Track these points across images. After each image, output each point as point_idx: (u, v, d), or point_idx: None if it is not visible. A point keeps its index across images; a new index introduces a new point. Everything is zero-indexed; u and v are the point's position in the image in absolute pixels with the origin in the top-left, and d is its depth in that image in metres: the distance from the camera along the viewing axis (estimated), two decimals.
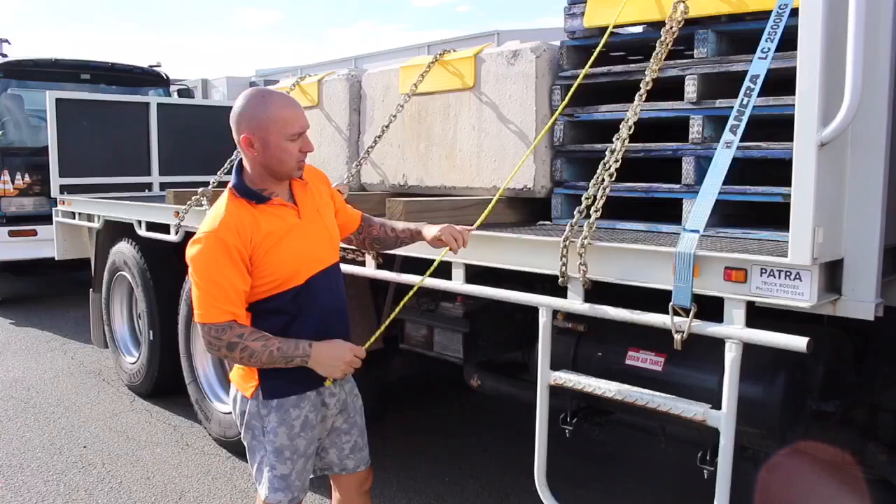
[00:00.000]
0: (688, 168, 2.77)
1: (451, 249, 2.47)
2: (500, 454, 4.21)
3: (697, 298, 2.03)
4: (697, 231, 2.03)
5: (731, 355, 1.97)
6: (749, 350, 1.99)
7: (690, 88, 2.74)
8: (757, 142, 2.53)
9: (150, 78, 9.15)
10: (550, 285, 2.45)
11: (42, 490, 3.84)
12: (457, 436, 4.48)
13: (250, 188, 2.23)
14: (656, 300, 2.14)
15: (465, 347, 3.15)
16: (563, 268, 2.29)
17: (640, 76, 2.88)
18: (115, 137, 6.67)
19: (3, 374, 5.92)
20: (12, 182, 8.04)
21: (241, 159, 2.28)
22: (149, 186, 6.82)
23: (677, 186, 2.81)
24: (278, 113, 2.13)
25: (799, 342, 1.86)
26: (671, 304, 2.05)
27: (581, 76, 2.88)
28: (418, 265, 2.88)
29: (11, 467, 4.12)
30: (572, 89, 2.90)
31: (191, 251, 2.18)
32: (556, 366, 2.45)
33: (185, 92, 10.29)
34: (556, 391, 2.44)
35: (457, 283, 2.74)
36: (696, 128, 2.73)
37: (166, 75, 9.31)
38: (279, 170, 2.19)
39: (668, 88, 2.87)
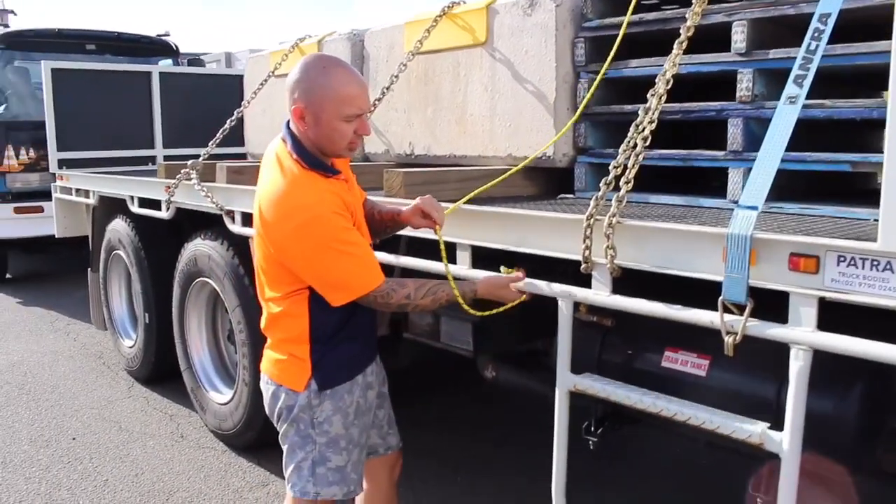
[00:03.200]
0: (734, 131, 2.35)
1: (430, 227, 2.19)
2: (518, 451, 3.84)
3: (754, 292, 1.62)
4: (756, 208, 1.62)
5: (798, 364, 1.56)
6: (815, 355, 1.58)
7: (739, 37, 2.31)
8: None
9: (158, 48, 8.79)
10: (572, 270, 2.06)
11: (22, 489, 3.56)
12: (470, 430, 4.12)
13: (319, 160, 1.99)
14: (696, 289, 1.74)
15: (476, 339, 2.78)
16: (587, 251, 1.89)
17: (678, 24, 2.45)
18: (117, 109, 6.32)
19: (3, 356, 5.68)
20: (17, 157, 7.76)
21: (288, 122, 2.01)
22: (152, 160, 6.48)
23: (721, 154, 2.39)
24: (339, 89, 1.90)
25: None
26: (721, 298, 1.64)
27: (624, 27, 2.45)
28: (424, 247, 2.51)
29: None
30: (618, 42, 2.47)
31: (304, 239, 1.89)
32: (578, 366, 2.06)
33: (196, 62, 9.93)
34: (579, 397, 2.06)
35: (462, 268, 2.35)
36: (744, 84, 2.30)
37: (175, 45, 8.94)
38: (328, 149, 1.99)
39: (710, 40, 2.44)
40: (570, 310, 1.99)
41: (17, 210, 7.74)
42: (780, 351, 1.60)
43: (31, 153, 7.77)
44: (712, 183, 3.39)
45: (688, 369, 1.96)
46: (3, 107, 7.84)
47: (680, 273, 1.76)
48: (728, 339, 1.63)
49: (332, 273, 1.94)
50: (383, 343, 3.79)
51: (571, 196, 2.83)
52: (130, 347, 5.09)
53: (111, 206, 5.10)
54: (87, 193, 5.36)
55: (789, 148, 2.25)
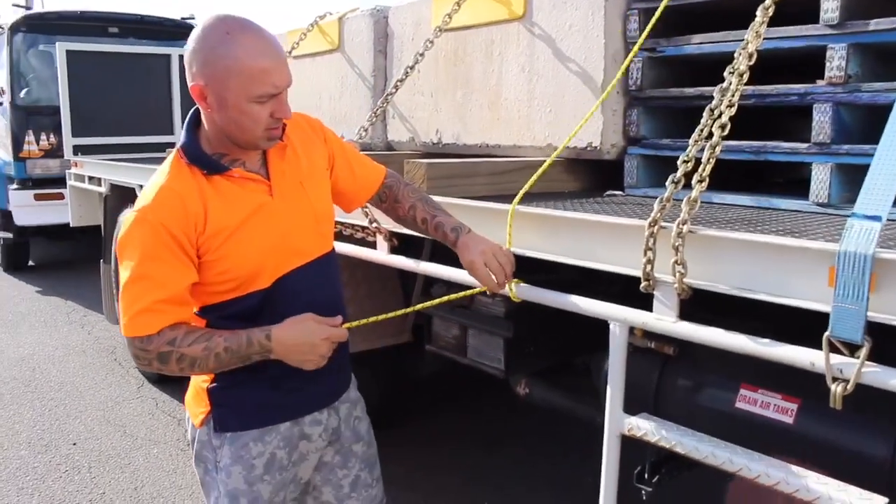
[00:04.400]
0: (821, 119, 1.96)
1: (486, 287, 1.77)
2: (553, 473, 3.48)
3: (872, 328, 1.24)
4: (879, 219, 1.24)
5: None
6: None
7: (830, 4, 1.91)
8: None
9: (182, 31, 8.49)
10: (624, 287, 1.69)
11: (14, 500, 3.29)
12: (501, 447, 3.76)
13: (203, 152, 1.59)
14: (786, 316, 1.37)
15: (508, 356, 2.42)
16: (649, 266, 1.52)
17: None
18: (135, 93, 6.06)
19: (14, 349, 5.46)
20: (37, 143, 7.56)
21: (197, 108, 1.61)
22: (172, 146, 6.21)
23: (803, 146, 2.00)
24: (246, 62, 1.47)
25: None
26: (827, 334, 1.26)
27: None
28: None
29: None
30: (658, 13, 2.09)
31: (118, 233, 1.53)
32: (630, 403, 1.69)
33: None
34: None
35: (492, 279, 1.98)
36: (836, 62, 1.91)
37: None
38: (240, 138, 1.57)
39: (792, 13, 2.05)
40: (624, 336, 1.62)
41: (38, 196, 7.56)
42: (890, 398, 1.23)
43: (52, 139, 7.55)
44: (775, 178, 3.01)
45: (770, 413, 1.58)
46: (25, 91, 7.64)
47: (770, 298, 1.38)
48: (836, 388, 1.25)
49: (122, 292, 1.56)
50: (403, 350, 3.51)
51: (620, 193, 2.45)
52: None
53: (123, 195, 4.83)
54: (99, 181, 5.10)
55: (860, 140, 1.88)
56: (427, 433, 3.86)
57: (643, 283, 1.54)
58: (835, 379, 1.27)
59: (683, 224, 1.45)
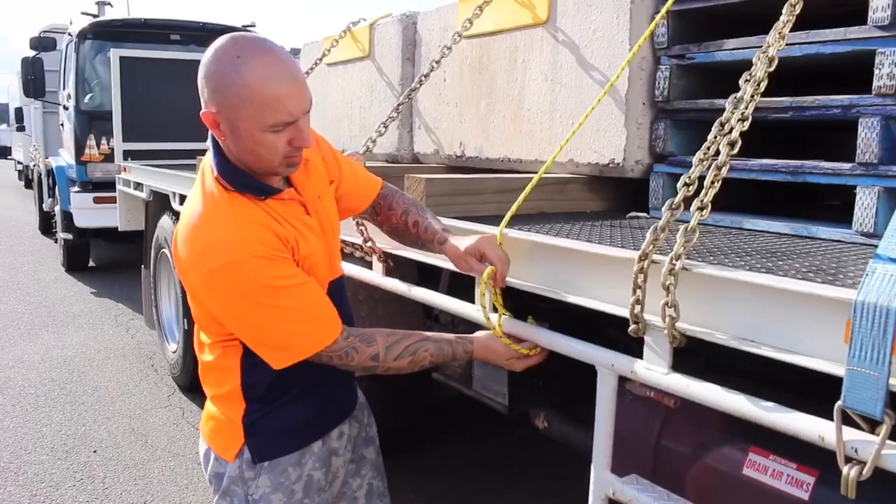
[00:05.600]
0: (867, 136, 1.71)
1: (485, 275, 1.62)
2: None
3: (895, 399, 1.00)
4: None
5: None
6: None
7: (880, 3, 1.65)
8: None
9: None
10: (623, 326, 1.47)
11: None
12: (524, 478, 3.54)
13: (250, 178, 1.47)
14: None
15: (512, 391, 2.21)
16: (638, 306, 1.30)
17: None
18: (187, 99, 6.08)
19: (58, 350, 5.53)
20: (98, 147, 7.71)
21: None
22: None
23: (847, 166, 1.74)
24: (258, 89, 1.34)
25: None
26: (838, 404, 1.02)
27: None
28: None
29: (8, 472, 3.58)
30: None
31: (220, 292, 1.42)
32: (623, 461, 1.47)
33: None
34: None
35: (479, 310, 1.79)
36: (886, 69, 1.66)
37: None
38: (257, 167, 1.46)
39: (835, 15, 1.79)
40: (612, 385, 1.40)
41: (97, 200, 7.69)
42: None
43: (112, 143, 7.70)
44: (819, 202, 2.70)
45: (782, 486, 1.33)
46: (89, 96, 7.82)
47: (774, 354, 1.14)
48: (850, 472, 1.01)
49: (263, 332, 1.45)
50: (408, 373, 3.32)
51: (644, 215, 2.22)
52: (174, 352, 4.79)
53: (162, 202, 4.82)
54: (141, 187, 5.11)
55: None
56: (428, 459, 3.67)
57: (632, 326, 1.31)
58: (848, 459, 1.03)
59: (677, 259, 1.23)
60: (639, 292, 1.29)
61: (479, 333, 1.69)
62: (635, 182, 2.29)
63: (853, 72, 1.78)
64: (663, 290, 1.24)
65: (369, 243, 2.15)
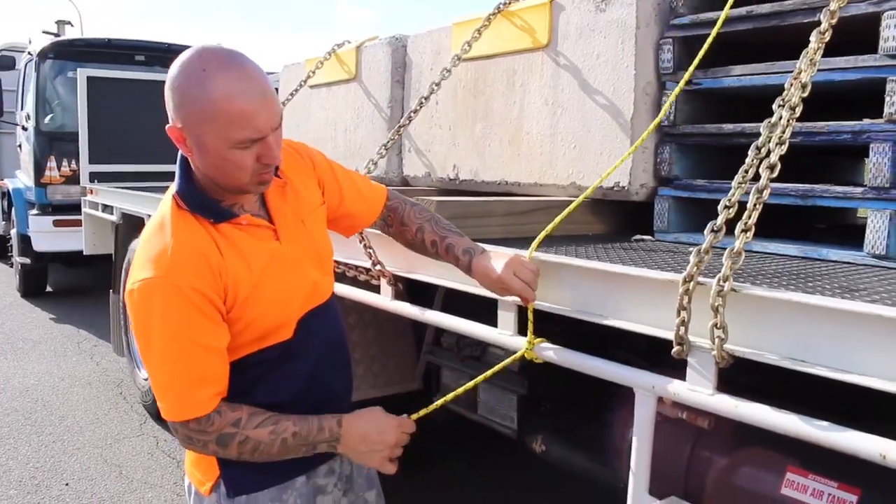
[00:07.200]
0: (879, 161, 1.76)
1: (522, 301, 1.61)
2: None
3: None
4: None
5: None
6: None
7: (892, 33, 1.70)
8: None
9: None
10: (651, 346, 1.47)
11: None
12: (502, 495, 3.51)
13: (206, 198, 1.41)
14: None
15: (521, 415, 2.20)
16: (683, 328, 1.30)
17: (800, 19, 1.88)
18: (154, 121, 5.97)
19: (20, 379, 5.32)
20: (58, 169, 7.52)
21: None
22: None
23: (858, 190, 1.79)
24: (222, 105, 1.28)
25: None
26: None
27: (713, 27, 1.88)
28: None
29: None
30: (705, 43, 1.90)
31: (132, 309, 1.36)
32: (658, 478, 1.46)
33: None
34: None
35: (505, 333, 1.78)
36: None
37: None
38: (226, 184, 1.40)
39: (843, 42, 1.85)
40: (651, 407, 1.40)
41: (57, 223, 7.49)
42: None
43: (73, 165, 7.50)
44: (816, 224, 2.77)
45: None
46: (49, 117, 7.63)
47: (828, 374, 1.15)
48: None
49: (151, 371, 1.40)
50: (412, 398, 3.28)
51: (649, 238, 2.24)
52: (146, 379, 4.65)
53: (133, 225, 4.71)
54: (112, 210, 4.99)
55: None
56: (427, 482, 3.62)
57: (675, 348, 1.32)
58: None
59: (725, 281, 1.23)
60: (684, 314, 1.29)
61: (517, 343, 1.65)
62: (638, 206, 2.32)
63: (860, 98, 1.83)
64: (710, 312, 1.24)
65: (378, 266, 2.12)
